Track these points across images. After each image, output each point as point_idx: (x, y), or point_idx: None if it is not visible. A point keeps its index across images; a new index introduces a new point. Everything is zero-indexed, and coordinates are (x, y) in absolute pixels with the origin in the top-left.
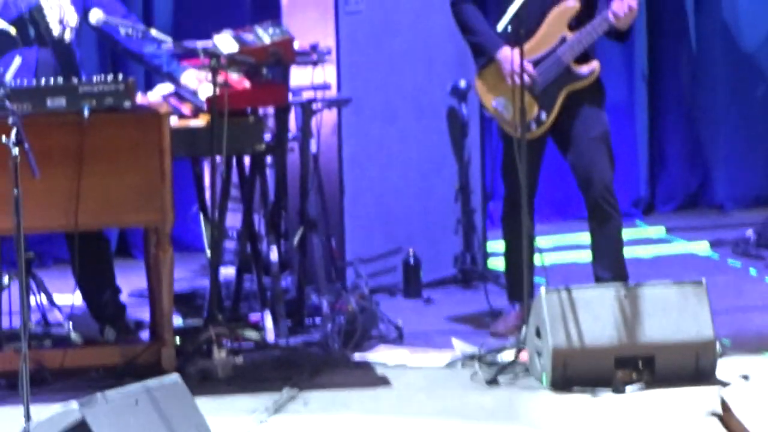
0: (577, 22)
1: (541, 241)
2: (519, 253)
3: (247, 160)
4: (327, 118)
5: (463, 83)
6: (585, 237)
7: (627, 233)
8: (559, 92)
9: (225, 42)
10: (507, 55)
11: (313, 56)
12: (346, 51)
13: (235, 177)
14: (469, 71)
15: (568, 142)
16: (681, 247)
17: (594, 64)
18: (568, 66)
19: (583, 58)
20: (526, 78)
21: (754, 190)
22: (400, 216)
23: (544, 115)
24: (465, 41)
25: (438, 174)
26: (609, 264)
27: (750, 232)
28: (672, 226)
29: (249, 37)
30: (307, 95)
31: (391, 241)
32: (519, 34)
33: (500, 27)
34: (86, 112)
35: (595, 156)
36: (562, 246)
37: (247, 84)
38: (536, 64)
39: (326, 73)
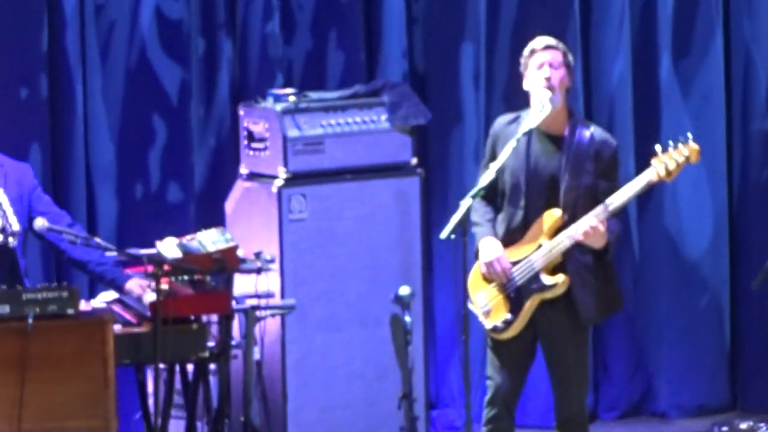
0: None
1: None
2: None
3: (190, 367)
4: (270, 326)
5: (406, 291)
6: None
7: None
8: (528, 298)
9: (169, 249)
10: (488, 244)
11: (256, 264)
12: (289, 258)
13: (178, 384)
14: (413, 279)
15: (546, 357)
16: None
17: (561, 277)
18: (538, 273)
19: (558, 269)
20: (501, 274)
21: (697, 398)
22: (343, 423)
23: (510, 317)
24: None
25: (381, 381)
26: None
27: None
28: None
29: (193, 244)
30: (250, 302)
31: None
32: (463, 242)
33: (443, 235)
34: (30, 320)
35: (568, 379)
36: None
37: (190, 291)
38: (515, 265)
39: (270, 280)
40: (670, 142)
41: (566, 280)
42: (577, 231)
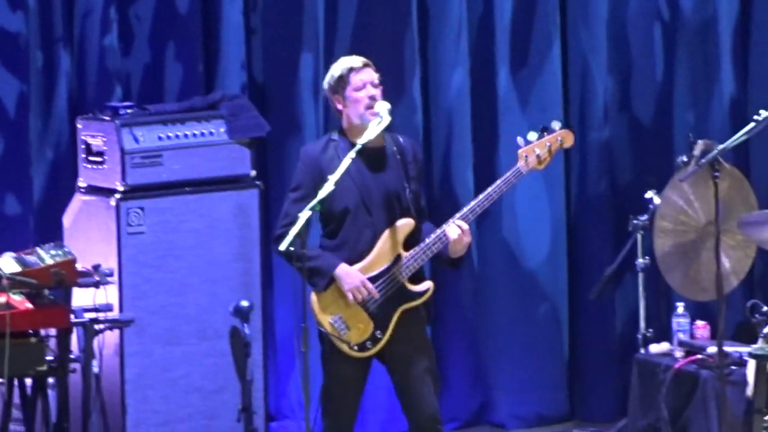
0: (411, 241)
1: None
2: None
3: (28, 381)
4: (109, 340)
5: (245, 304)
6: None
7: None
8: (395, 311)
9: (6, 263)
10: (346, 271)
11: (95, 277)
12: (128, 272)
13: (16, 398)
14: (252, 292)
15: (398, 364)
16: None
17: (428, 284)
18: (403, 284)
19: (417, 277)
20: (366, 294)
21: (536, 409)
22: None
23: (379, 333)
24: (298, 270)
25: (221, 394)
26: None
27: None
28: None
29: (31, 257)
30: (89, 316)
31: None
32: (302, 254)
33: (282, 247)
34: None
35: (424, 383)
36: None
37: (28, 305)
38: (372, 281)
39: (108, 294)
40: (531, 133)
41: (432, 285)
42: (448, 234)
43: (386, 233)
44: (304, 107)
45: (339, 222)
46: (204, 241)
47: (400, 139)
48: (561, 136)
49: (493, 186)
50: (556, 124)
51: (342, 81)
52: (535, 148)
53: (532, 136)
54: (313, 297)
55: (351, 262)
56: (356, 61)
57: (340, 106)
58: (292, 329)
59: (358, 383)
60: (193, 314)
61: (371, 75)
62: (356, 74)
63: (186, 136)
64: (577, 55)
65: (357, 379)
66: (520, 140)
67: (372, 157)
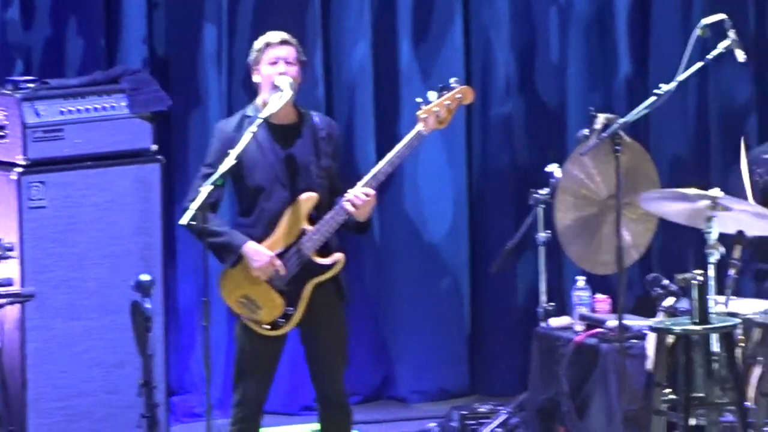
0: (318, 214)
1: None
2: None
3: None
4: (10, 314)
5: (146, 278)
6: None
7: (307, 428)
8: (305, 286)
9: None
10: (253, 248)
11: None
12: (29, 246)
13: None
14: (154, 266)
15: (310, 338)
16: None
17: (337, 256)
18: (311, 258)
19: (327, 250)
20: (275, 271)
21: (437, 383)
22: (84, 411)
23: (290, 310)
24: (206, 246)
25: (122, 369)
26: None
27: (433, 425)
28: (355, 420)
29: None
30: None
31: None
32: (203, 229)
33: (183, 221)
34: None
35: (333, 358)
36: None
37: None
38: (279, 258)
39: (9, 268)
40: (431, 93)
41: (342, 257)
42: (350, 202)
43: (289, 209)
44: (207, 81)
45: (254, 199)
46: (105, 215)
47: (315, 117)
48: (460, 92)
49: (395, 151)
50: (454, 82)
51: (259, 54)
52: (434, 108)
53: (432, 95)
54: (223, 278)
55: (261, 240)
56: (275, 36)
57: (257, 80)
58: (194, 303)
59: (272, 359)
60: (95, 288)
61: (287, 52)
62: (271, 49)
63: (87, 110)
64: (479, 30)
65: (271, 355)
66: (419, 101)
67: (284, 133)
